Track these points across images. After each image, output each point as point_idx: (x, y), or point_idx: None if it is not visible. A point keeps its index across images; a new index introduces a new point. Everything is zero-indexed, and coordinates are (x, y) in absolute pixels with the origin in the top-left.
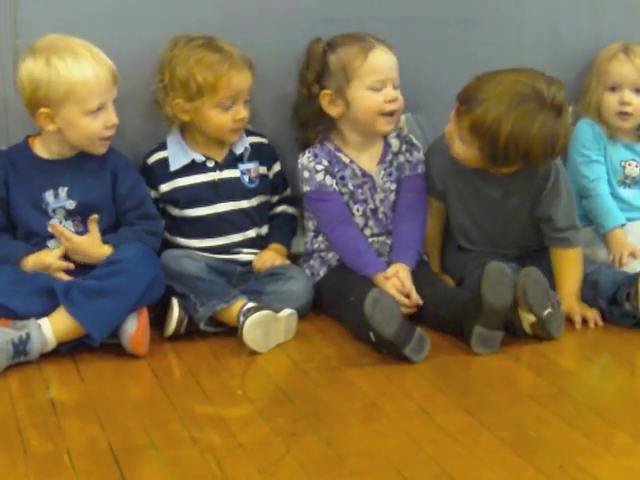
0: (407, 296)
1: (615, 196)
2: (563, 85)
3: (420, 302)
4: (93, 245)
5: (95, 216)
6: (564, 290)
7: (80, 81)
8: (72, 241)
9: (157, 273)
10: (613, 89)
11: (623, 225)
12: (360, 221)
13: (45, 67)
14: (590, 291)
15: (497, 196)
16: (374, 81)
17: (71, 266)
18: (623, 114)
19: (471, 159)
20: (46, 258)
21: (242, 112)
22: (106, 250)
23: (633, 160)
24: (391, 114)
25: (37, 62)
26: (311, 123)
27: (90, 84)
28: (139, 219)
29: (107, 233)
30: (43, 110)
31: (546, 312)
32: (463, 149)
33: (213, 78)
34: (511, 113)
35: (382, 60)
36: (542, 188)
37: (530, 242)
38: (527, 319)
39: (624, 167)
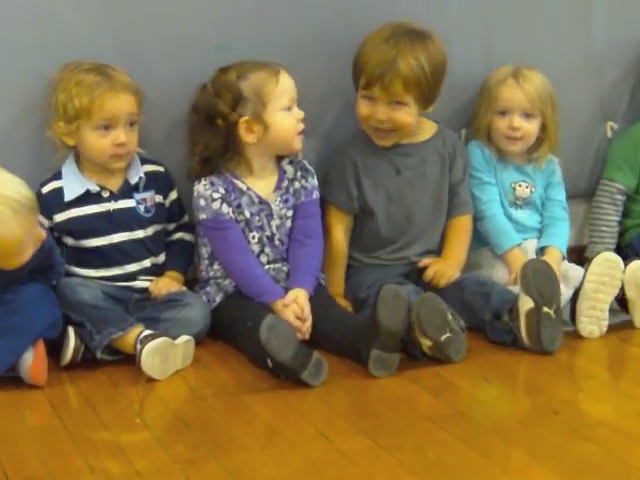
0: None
1: (507, 217)
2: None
3: (307, 334)
4: None
5: None
6: (451, 256)
7: None
8: None
9: (56, 314)
10: (503, 114)
11: (519, 244)
12: (256, 248)
13: None
14: (480, 300)
15: (415, 163)
16: (287, 101)
17: None
18: (512, 138)
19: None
20: None
21: (121, 137)
22: None
23: (523, 181)
24: (302, 133)
25: None
26: (217, 155)
27: None
28: None
29: None
30: None
31: (444, 337)
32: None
33: (87, 100)
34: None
35: (289, 82)
36: (453, 155)
37: (434, 235)
38: (424, 343)
39: (515, 188)
